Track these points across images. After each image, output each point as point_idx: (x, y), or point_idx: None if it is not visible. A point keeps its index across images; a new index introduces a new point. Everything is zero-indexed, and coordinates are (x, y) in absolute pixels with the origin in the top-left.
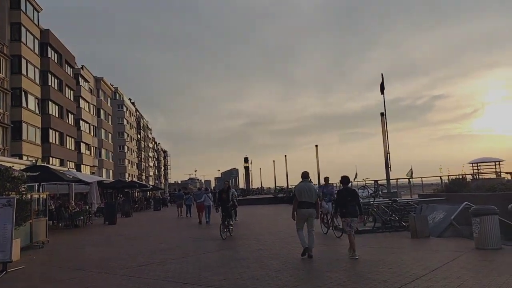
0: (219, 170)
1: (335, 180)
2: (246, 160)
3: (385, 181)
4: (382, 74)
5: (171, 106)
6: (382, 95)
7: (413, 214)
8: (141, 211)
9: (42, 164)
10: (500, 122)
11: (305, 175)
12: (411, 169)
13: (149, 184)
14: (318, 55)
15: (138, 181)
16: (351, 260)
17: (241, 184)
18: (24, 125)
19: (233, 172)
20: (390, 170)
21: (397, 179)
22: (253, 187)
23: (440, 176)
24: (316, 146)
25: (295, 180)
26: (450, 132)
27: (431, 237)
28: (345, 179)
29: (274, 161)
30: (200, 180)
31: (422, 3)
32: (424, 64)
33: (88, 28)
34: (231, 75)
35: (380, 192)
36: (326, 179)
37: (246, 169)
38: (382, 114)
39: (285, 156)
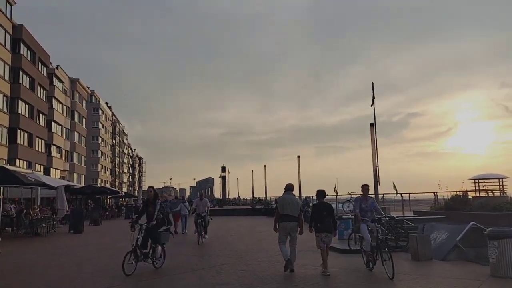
0: (194, 179)
1: (311, 193)
2: (223, 169)
3: (373, 195)
4: (372, 84)
5: (149, 113)
6: (373, 106)
7: (412, 233)
8: (111, 219)
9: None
10: (470, 141)
11: (289, 187)
12: (394, 184)
13: (121, 191)
14: (297, 68)
15: (110, 187)
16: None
17: (217, 194)
18: None
19: (209, 181)
20: (379, 184)
21: (383, 194)
22: (229, 198)
23: (435, 192)
24: (298, 157)
25: (273, 191)
26: (425, 150)
27: (433, 260)
28: (321, 193)
29: (252, 170)
30: (175, 188)
31: (401, 23)
32: (401, 83)
33: (65, 28)
34: (209, 84)
35: None
36: (365, 188)
37: (223, 178)
38: (372, 125)
39: (264, 166)
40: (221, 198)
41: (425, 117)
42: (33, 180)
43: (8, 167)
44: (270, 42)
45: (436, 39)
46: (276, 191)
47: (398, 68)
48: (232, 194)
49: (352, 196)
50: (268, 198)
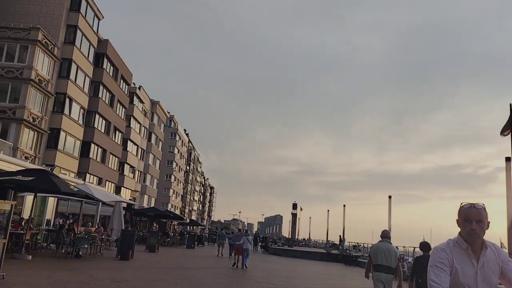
0: (263, 215)
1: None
2: (294, 206)
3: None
4: (510, 105)
5: (225, 145)
6: (509, 133)
7: None
8: (172, 246)
9: (41, 168)
10: None
11: (385, 235)
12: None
13: (189, 218)
14: (376, 111)
15: (174, 213)
16: None
17: (285, 233)
18: (62, 134)
19: (277, 218)
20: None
21: None
22: (299, 238)
23: None
24: (390, 197)
25: (348, 236)
26: None
27: None
28: (425, 245)
29: (328, 210)
30: (243, 222)
31: (494, 65)
32: (490, 132)
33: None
34: (286, 122)
35: None
36: None
37: (294, 216)
38: (508, 159)
39: (344, 206)
40: (290, 237)
41: None
42: (76, 189)
43: (55, 173)
44: (351, 83)
45: None
46: (349, 237)
47: (490, 115)
48: (301, 235)
49: None
50: (347, 243)
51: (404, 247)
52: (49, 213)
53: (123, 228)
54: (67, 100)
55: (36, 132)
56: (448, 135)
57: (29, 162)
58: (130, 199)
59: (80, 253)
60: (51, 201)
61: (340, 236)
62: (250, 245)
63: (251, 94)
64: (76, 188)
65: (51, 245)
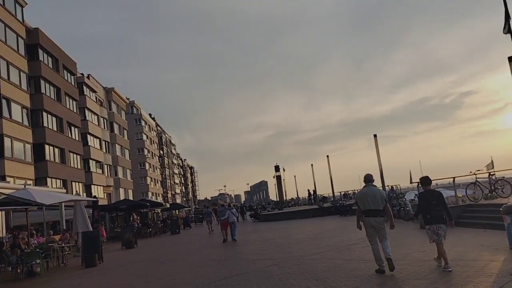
0: (248, 184)
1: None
2: (277, 168)
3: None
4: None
5: (196, 124)
6: (509, 32)
7: None
8: (155, 236)
9: None
10: None
11: (368, 179)
12: (492, 161)
13: (167, 203)
14: (339, 61)
15: (150, 200)
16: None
17: (273, 196)
18: (6, 140)
19: (262, 185)
20: None
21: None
22: (287, 199)
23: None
24: (375, 136)
25: (335, 187)
26: (482, 129)
27: None
28: (426, 180)
29: (312, 164)
30: (230, 195)
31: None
32: (450, 62)
33: (99, 46)
34: (253, 88)
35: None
36: None
37: (278, 178)
38: (511, 59)
39: (327, 156)
40: (278, 199)
41: (479, 94)
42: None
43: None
44: (309, 39)
45: (484, 12)
46: (336, 187)
47: (447, 46)
48: (289, 195)
49: (478, 177)
50: (337, 193)
51: (398, 185)
52: None
53: (91, 229)
54: (4, 102)
55: None
56: (411, 71)
57: None
58: (92, 198)
59: (38, 269)
60: None
61: (308, 190)
62: (235, 217)
63: (211, 68)
64: (2, 195)
65: (4, 267)
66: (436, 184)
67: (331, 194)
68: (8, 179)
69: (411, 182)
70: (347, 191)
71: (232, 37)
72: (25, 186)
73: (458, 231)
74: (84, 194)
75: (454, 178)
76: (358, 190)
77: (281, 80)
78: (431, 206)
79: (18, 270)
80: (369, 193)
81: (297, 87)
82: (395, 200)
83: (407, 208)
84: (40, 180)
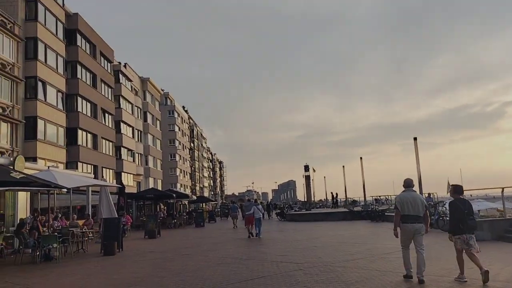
0: (276, 182)
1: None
2: (306, 168)
3: None
4: None
5: (229, 119)
6: None
7: None
8: (180, 227)
9: None
10: None
11: (408, 183)
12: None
13: (193, 195)
14: (376, 63)
15: (178, 191)
16: None
17: (301, 196)
18: (40, 122)
19: (290, 184)
20: None
21: None
22: (315, 200)
23: None
24: (415, 139)
25: (367, 191)
26: None
27: None
28: (458, 189)
29: (343, 166)
30: (258, 192)
31: (489, 4)
32: (494, 69)
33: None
34: (287, 87)
35: None
36: None
37: (307, 178)
38: None
39: (361, 158)
40: (306, 200)
41: None
42: (20, 177)
43: (19, 163)
44: (347, 39)
45: None
46: (368, 192)
47: (491, 53)
48: (317, 196)
49: None
50: (369, 198)
51: (435, 193)
52: (22, 211)
53: (116, 215)
54: (40, 84)
55: (8, 123)
56: (451, 76)
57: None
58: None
59: (56, 254)
60: (22, 196)
61: (332, 193)
62: (261, 214)
63: (247, 64)
64: (21, 175)
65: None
66: (471, 195)
67: (361, 198)
68: (39, 161)
69: (448, 192)
70: (379, 196)
71: (269, 34)
72: (48, 168)
73: (506, 247)
74: (114, 181)
75: (503, 188)
76: (390, 196)
77: (316, 80)
78: (464, 215)
79: (37, 253)
80: (409, 198)
81: (332, 87)
82: (433, 209)
83: (446, 218)
84: (71, 164)
